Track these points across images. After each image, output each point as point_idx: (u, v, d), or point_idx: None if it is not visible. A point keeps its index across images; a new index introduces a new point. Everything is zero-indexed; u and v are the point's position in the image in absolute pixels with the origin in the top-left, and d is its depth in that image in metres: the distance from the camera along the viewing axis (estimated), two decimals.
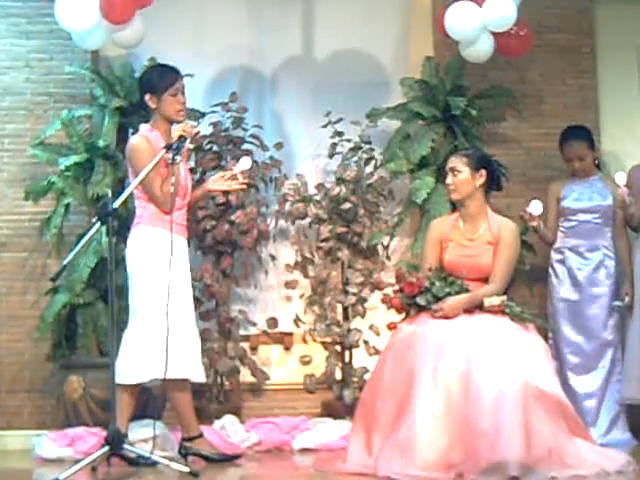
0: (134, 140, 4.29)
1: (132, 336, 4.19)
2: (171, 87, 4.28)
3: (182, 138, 4.16)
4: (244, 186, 4.50)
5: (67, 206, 5.08)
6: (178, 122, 4.30)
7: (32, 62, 5.42)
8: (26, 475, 4.34)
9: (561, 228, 5.10)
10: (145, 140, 4.24)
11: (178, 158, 4.13)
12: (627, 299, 4.95)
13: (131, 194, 4.21)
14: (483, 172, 4.24)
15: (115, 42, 5.02)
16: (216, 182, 4.43)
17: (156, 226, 4.20)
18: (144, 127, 4.32)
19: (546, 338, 4.61)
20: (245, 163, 4.38)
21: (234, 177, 4.39)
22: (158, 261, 4.15)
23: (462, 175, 4.22)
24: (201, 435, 4.30)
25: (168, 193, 4.15)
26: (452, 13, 5.01)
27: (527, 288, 5.20)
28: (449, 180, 4.25)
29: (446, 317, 3.99)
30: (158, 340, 4.07)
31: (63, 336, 5.02)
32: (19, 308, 5.25)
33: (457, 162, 4.25)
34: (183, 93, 4.34)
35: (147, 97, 4.30)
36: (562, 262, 5.05)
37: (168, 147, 4.12)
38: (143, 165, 4.11)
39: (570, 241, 5.06)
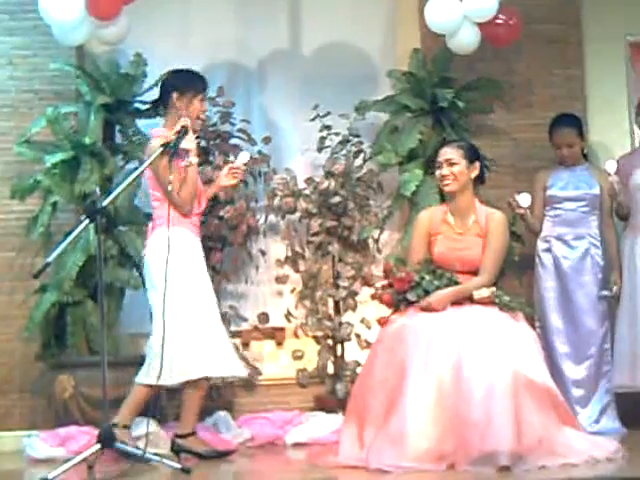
0: (155, 143, 4.20)
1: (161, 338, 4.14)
2: (202, 93, 4.37)
3: (180, 132, 4.12)
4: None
5: (54, 204, 5.04)
6: (194, 129, 4.31)
7: (16, 59, 5.37)
8: (17, 476, 4.33)
9: (547, 217, 5.09)
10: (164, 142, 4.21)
11: (193, 159, 4.16)
12: (615, 289, 4.95)
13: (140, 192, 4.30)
14: (477, 164, 4.25)
15: (99, 38, 4.99)
16: (228, 176, 4.44)
17: (180, 226, 4.20)
18: (159, 130, 4.33)
19: (533, 326, 4.60)
20: (244, 157, 4.46)
21: (238, 169, 4.46)
22: (183, 263, 4.18)
23: (458, 167, 4.22)
24: (194, 433, 4.28)
25: (187, 195, 4.17)
26: (431, 6, 5.02)
27: (516, 278, 5.20)
28: (445, 171, 4.23)
29: (434, 310, 3.98)
30: (189, 341, 4.13)
31: (52, 335, 4.99)
32: (7, 308, 5.21)
33: (454, 153, 4.24)
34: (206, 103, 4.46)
35: (175, 95, 4.31)
36: (548, 251, 5.05)
37: (165, 145, 4.08)
38: (165, 168, 4.09)
39: (556, 230, 5.06)
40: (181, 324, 4.15)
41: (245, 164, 4.47)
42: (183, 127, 4.14)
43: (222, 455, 4.31)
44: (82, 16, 4.73)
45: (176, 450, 4.25)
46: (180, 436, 4.25)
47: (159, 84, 4.55)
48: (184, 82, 4.35)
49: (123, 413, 4.18)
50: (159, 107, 4.48)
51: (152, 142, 4.28)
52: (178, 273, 4.15)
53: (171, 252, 4.11)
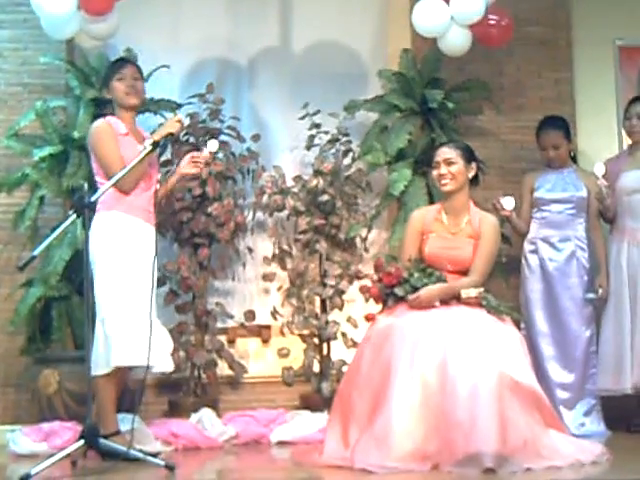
0: (94, 124, 4.37)
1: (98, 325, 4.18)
2: (116, 74, 4.42)
3: (169, 135, 4.21)
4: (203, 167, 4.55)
5: (42, 198, 5.03)
6: (128, 105, 4.40)
7: (5, 52, 5.35)
8: (0, 471, 4.29)
9: (534, 219, 5.10)
10: (105, 122, 4.33)
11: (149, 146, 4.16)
12: (600, 291, 4.97)
13: (94, 181, 4.31)
14: (474, 165, 4.27)
15: (88, 33, 4.97)
16: (188, 165, 4.45)
17: (116, 209, 4.23)
18: (105, 117, 4.42)
19: (519, 328, 4.61)
20: (213, 145, 4.42)
21: (205, 160, 4.46)
22: (119, 248, 4.18)
23: (457, 167, 4.23)
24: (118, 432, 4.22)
25: (132, 172, 4.15)
26: (418, 10, 5.04)
27: (503, 280, 5.21)
28: (443, 170, 4.24)
29: (421, 306, 3.99)
30: (113, 328, 4.10)
31: (38, 330, 4.96)
32: None
33: (451, 153, 4.26)
34: (135, 78, 4.44)
35: (104, 91, 4.49)
36: (534, 252, 5.06)
37: (155, 145, 4.13)
38: (105, 145, 4.23)
39: (542, 231, 5.07)
40: (110, 309, 4.15)
41: (212, 152, 4.45)
42: (170, 134, 4.22)
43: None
44: (73, 10, 4.71)
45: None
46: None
47: None
48: (104, 75, 4.58)
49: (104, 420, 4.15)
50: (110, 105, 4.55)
51: (92, 125, 4.38)
52: (112, 258, 4.16)
53: (109, 236, 4.17)
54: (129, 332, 4.11)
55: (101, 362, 4.09)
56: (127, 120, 4.39)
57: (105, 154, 4.25)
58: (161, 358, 4.22)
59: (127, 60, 4.57)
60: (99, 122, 4.36)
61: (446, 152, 4.27)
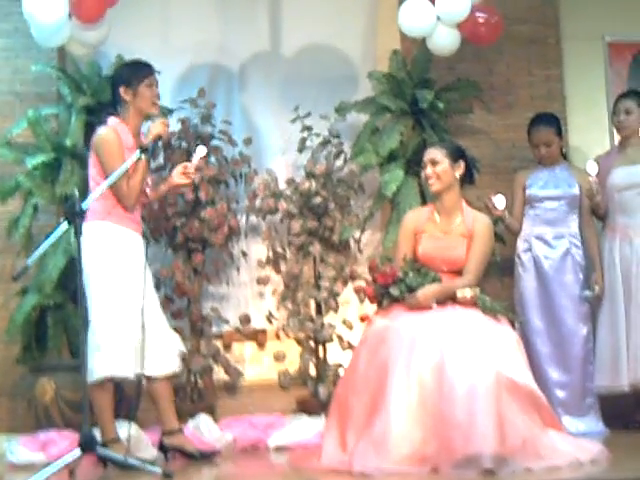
0: (102, 132, 4.26)
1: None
2: (147, 79, 4.32)
3: (158, 138, 4.19)
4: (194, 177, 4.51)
5: (35, 206, 5.02)
6: (152, 115, 4.34)
7: None
8: None
9: (527, 216, 5.10)
10: (114, 132, 4.24)
11: (143, 155, 4.13)
12: (597, 289, 4.97)
13: (87, 188, 4.26)
14: (462, 163, 4.27)
15: (79, 41, 4.96)
16: (181, 176, 4.40)
17: (108, 220, 4.20)
18: (113, 120, 4.31)
19: (514, 328, 4.61)
20: (201, 151, 4.39)
21: (196, 168, 4.42)
22: (110, 258, 4.16)
23: (442, 166, 4.23)
24: (181, 430, 4.31)
25: (134, 188, 4.16)
26: (404, 11, 5.05)
27: (497, 279, 5.22)
28: (429, 171, 4.25)
29: (419, 306, 3.99)
30: (103, 337, 4.09)
31: (33, 338, 4.95)
32: None
33: (436, 153, 4.26)
34: (157, 87, 4.38)
35: (122, 90, 4.31)
36: (528, 250, 5.06)
37: (143, 149, 4.10)
38: (112, 158, 4.14)
39: (536, 229, 5.07)
40: (101, 319, 4.14)
41: (202, 158, 4.42)
42: (158, 136, 4.20)
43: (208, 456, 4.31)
44: (64, 18, 4.70)
45: (165, 449, 4.28)
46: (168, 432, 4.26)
47: (109, 82, 4.56)
48: (127, 73, 4.37)
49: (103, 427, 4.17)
50: (115, 105, 4.41)
51: (99, 131, 4.27)
52: (103, 269, 4.15)
53: (100, 247, 4.15)
54: (119, 342, 4.11)
55: (94, 371, 4.08)
56: (137, 126, 4.33)
57: (111, 167, 4.13)
58: (157, 363, 4.21)
59: (152, 67, 4.43)
60: (105, 130, 4.24)
61: (431, 152, 4.29)
